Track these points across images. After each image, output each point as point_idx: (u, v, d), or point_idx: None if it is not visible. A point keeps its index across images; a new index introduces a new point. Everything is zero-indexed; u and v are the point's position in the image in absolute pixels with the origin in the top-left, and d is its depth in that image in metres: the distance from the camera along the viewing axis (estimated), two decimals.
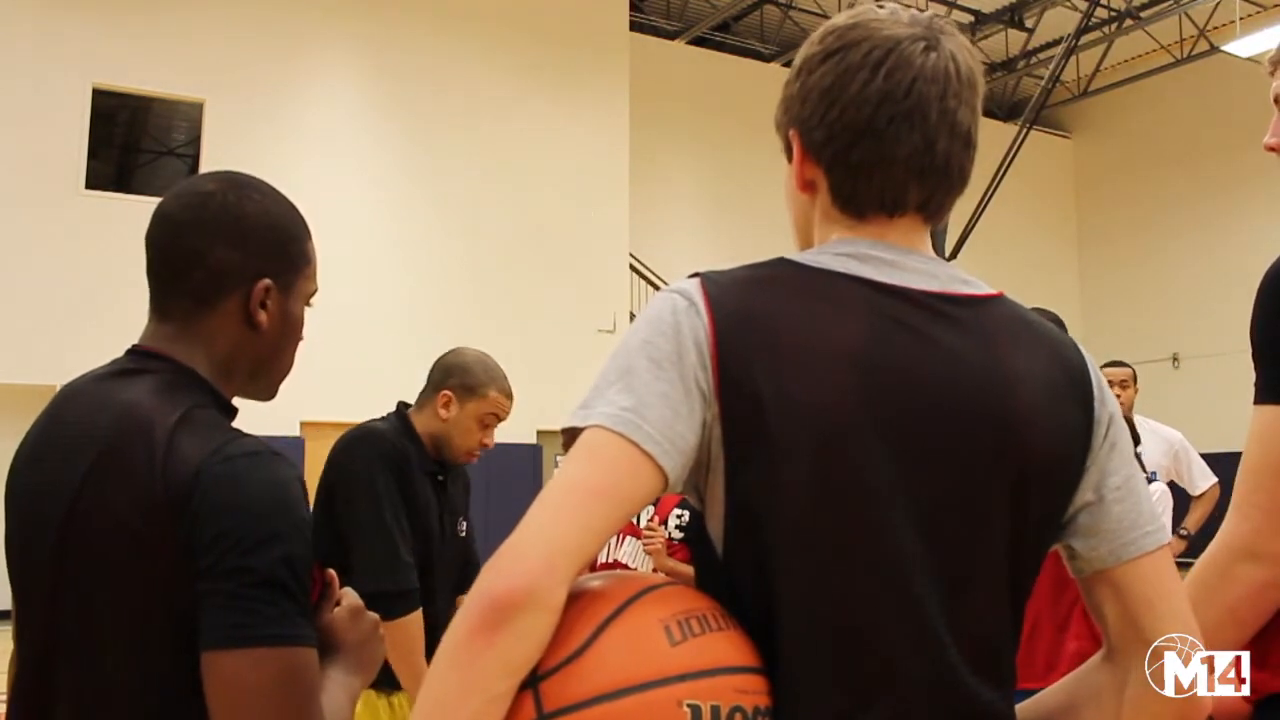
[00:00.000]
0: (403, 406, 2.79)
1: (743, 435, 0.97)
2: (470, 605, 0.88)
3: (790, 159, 1.13)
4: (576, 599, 0.93)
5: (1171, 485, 5.00)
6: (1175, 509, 5.19)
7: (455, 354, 2.79)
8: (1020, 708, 1.12)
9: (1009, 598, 1.05)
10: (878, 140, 1.05)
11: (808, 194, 1.12)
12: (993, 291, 1.10)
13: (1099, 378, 1.11)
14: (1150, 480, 4.88)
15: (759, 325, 0.99)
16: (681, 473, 0.97)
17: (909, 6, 1.12)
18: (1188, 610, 1.08)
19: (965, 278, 1.09)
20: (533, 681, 0.89)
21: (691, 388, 0.97)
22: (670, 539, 3.86)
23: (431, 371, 2.76)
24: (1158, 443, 4.94)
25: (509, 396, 2.75)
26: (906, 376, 1.00)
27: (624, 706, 0.89)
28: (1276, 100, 1.51)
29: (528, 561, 0.88)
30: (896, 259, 1.06)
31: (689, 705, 0.89)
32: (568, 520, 0.91)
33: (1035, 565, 1.08)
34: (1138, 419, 4.99)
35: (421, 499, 2.63)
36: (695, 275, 1.04)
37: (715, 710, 0.90)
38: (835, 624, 0.96)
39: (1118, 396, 4.76)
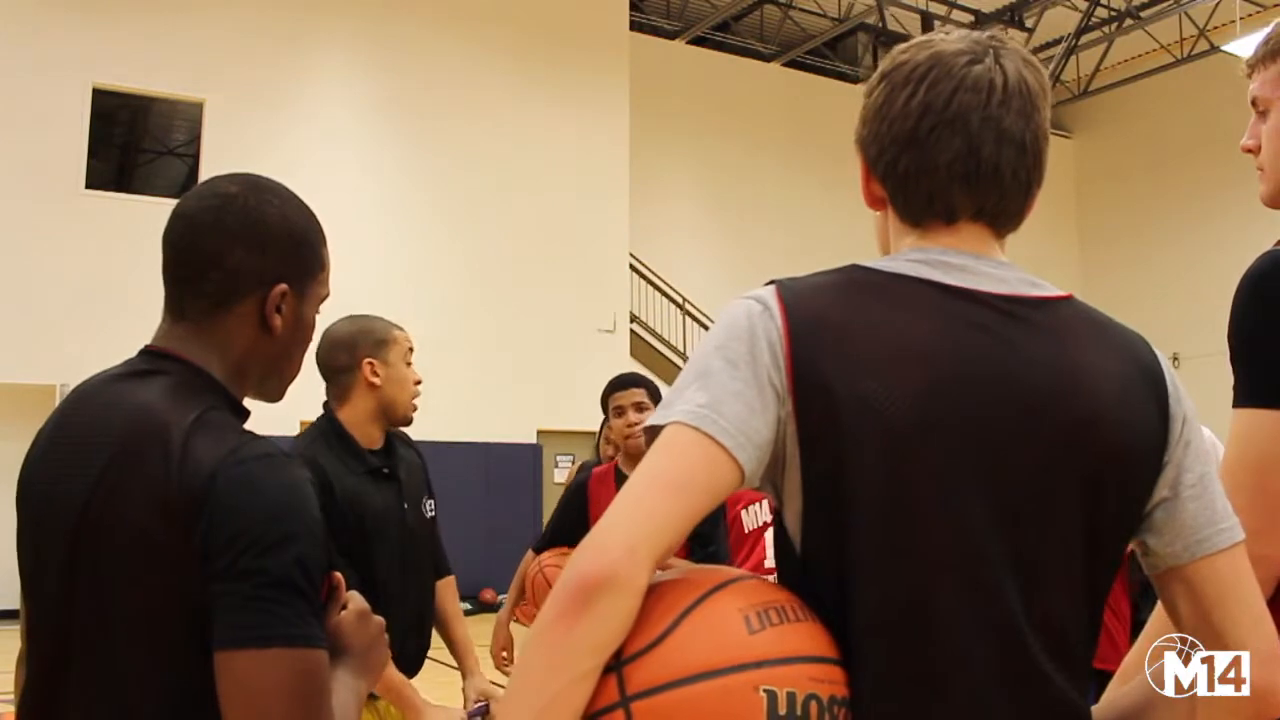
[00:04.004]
0: (327, 407, 2.66)
1: (817, 432, 1.00)
2: (558, 590, 0.93)
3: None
4: (659, 588, 0.98)
5: None
6: None
7: (335, 333, 2.65)
8: (1096, 709, 1.14)
9: (1085, 592, 1.07)
10: (920, 149, 1.09)
11: (879, 209, 1.18)
12: (1063, 293, 1.13)
13: (1173, 376, 1.13)
14: None
15: (832, 326, 1.03)
16: (757, 467, 1.01)
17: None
18: (1262, 607, 1.09)
19: (1035, 280, 1.12)
20: (616, 665, 0.93)
21: (765, 386, 1.01)
22: None
23: (333, 359, 2.62)
24: None
25: (402, 328, 2.72)
26: (978, 375, 1.03)
27: (703, 690, 0.92)
28: (1254, 103, 1.53)
29: (610, 547, 0.94)
30: (966, 264, 1.09)
31: (765, 691, 0.92)
32: (647, 510, 0.96)
33: (1114, 560, 1.10)
34: None
35: (364, 502, 2.54)
36: (771, 282, 1.08)
37: (791, 697, 0.93)
38: (910, 615, 0.99)
39: None
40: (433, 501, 2.83)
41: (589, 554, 0.94)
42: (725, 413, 0.99)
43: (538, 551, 3.63)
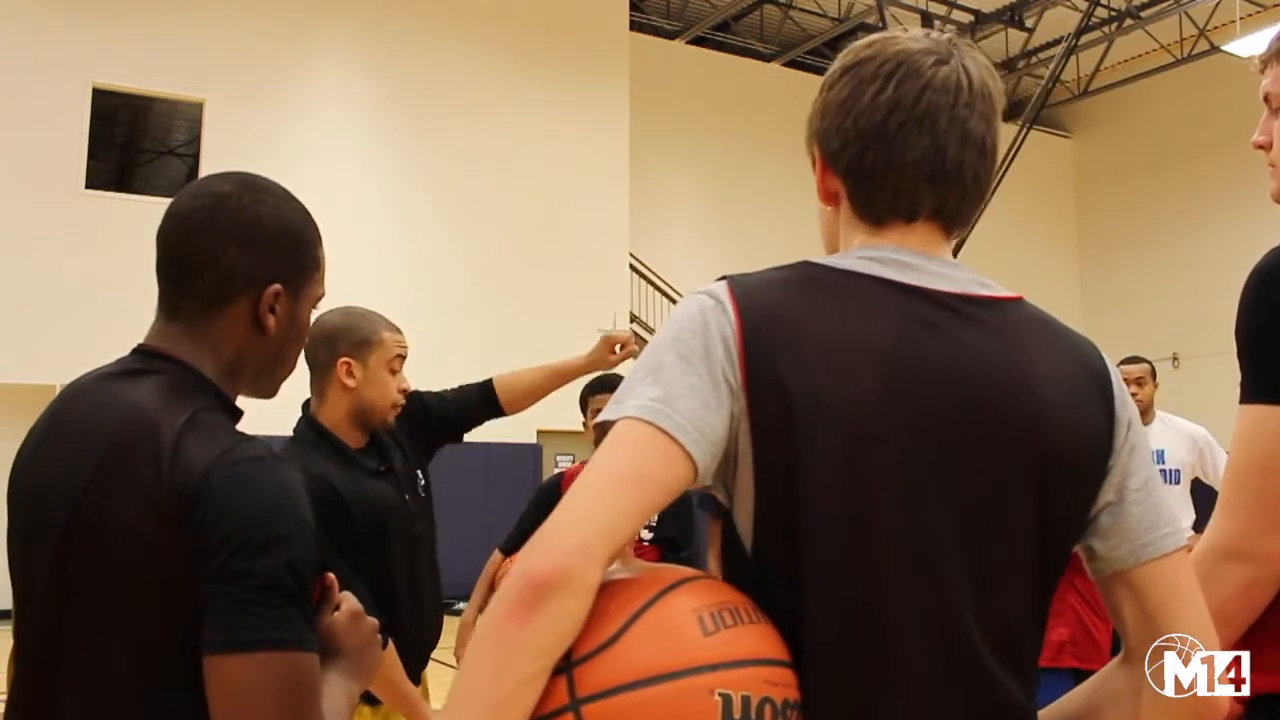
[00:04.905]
0: (305, 408, 2.51)
1: (771, 430, 0.99)
2: (507, 587, 0.90)
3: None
4: (611, 588, 0.95)
5: (1196, 482, 4.95)
6: (1200, 505, 5.13)
7: (321, 325, 2.45)
8: (1043, 713, 1.13)
9: (1034, 593, 1.06)
10: (888, 145, 1.08)
11: (832, 205, 1.17)
12: (1012, 294, 1.12)
13: (1119, 381, 1.13)
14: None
15: (785, 322, 1.01)
16: (710, 463, 0.99)
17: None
18: (1204, 612, 1.09)
19: (984, 281, 1.12)
20: (566, 667, 0.91)
21: (720, 382, 0.99)
22: (640, 540, 3.82)
23: (313, 354, 2.45)
24: (1181, 439, 4.86)
25: (399, 331, 2.55)
26: (931, 374, 1.02)
27: (656, 694, 0.90)
28: (1266, 99, 1.53)
29: (563, 543, 0.91)
30: (917, 263, 1.09)
31: (720, 694, 0.91)
32: (600, 505, 0.93)
33: (1061, 561, 1.10)
34: (1160, 415, 4.95)
35: (372, 505, 2.40)
36: (723, 278, 1.07)
37: (746, 700, 0.91)
38: (862, 616, 0.98)
39: (1134, 394, 4.75)
40: (421, 472, 2.69)
41: (540, 550, 0.91)
42: (679, 408, 0.97)
43: (506, 552, 3.59)
